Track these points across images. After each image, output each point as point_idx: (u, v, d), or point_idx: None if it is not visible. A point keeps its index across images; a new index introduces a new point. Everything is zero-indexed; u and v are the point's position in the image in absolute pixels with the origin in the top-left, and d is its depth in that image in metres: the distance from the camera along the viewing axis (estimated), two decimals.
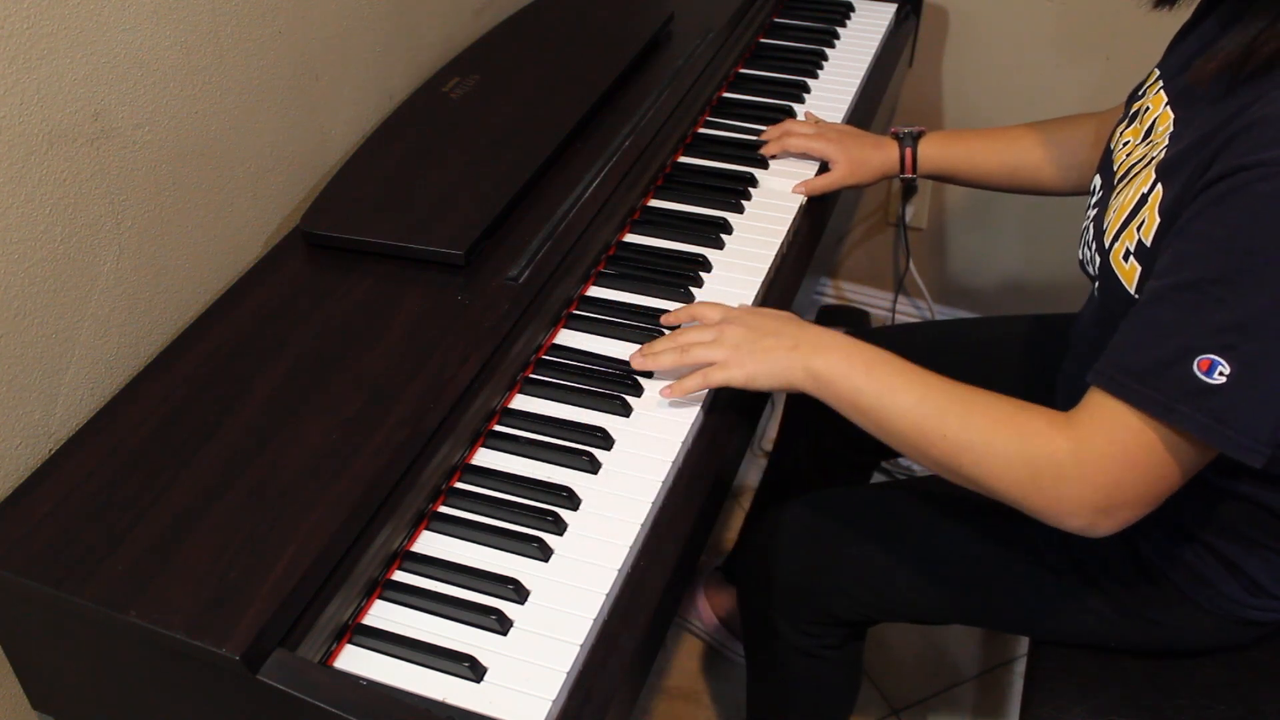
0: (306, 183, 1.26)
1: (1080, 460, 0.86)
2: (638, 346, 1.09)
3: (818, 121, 1.40)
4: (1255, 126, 0.80)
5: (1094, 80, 1.75)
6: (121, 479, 0.92)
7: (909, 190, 1.97)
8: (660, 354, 1.04)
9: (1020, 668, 1.65)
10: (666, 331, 1.10)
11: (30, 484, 0.94)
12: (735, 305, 1.08)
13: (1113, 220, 0.96)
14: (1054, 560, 1.07)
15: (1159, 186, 0.89)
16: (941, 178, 1.37)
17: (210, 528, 0.87)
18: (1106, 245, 0.95)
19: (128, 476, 0.92)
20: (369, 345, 1.03)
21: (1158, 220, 0.88)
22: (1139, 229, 0.90)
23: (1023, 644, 1.69)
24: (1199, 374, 0.80)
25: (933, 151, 1.33)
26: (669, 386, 1.03)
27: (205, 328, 1.07)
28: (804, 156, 1.36)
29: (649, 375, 1.07)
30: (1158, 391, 0.81)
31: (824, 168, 1.35)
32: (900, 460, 1.92)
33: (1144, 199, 0.91)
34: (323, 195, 1.19)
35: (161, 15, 1.01)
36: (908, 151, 1.33)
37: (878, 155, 1.34)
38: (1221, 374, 0.79)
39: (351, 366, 1.01)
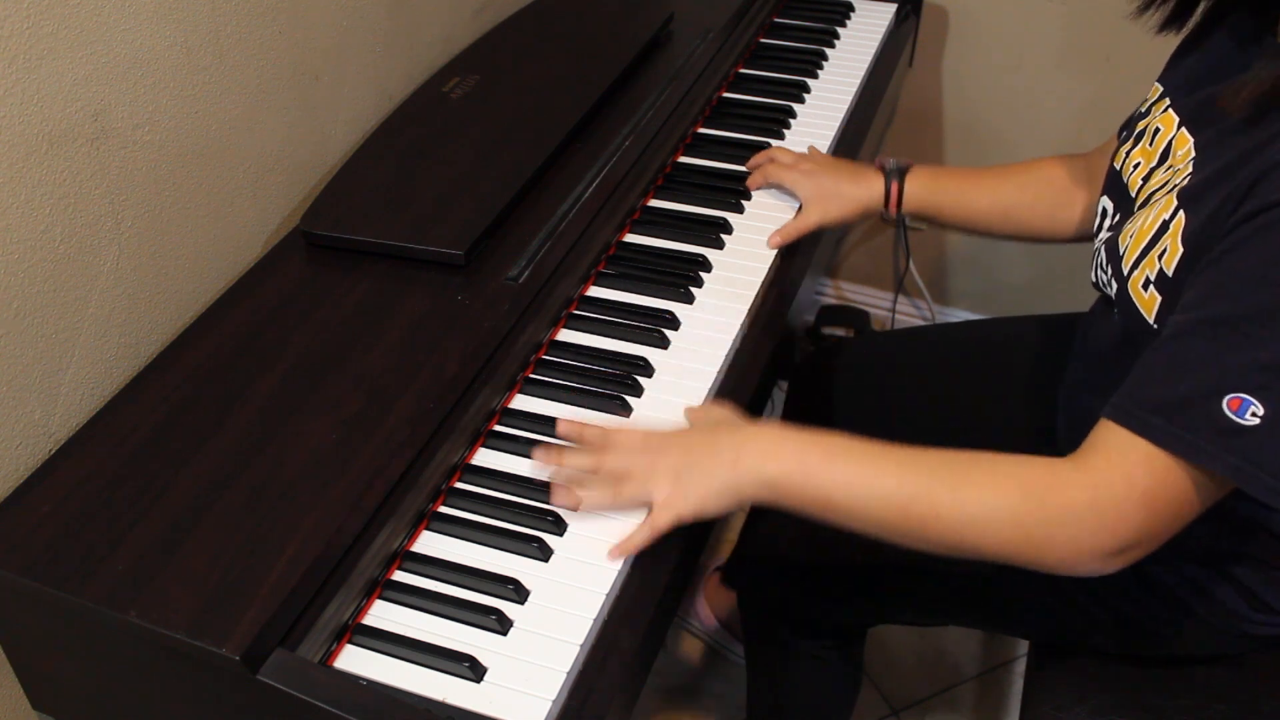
0: (306, 183, 1.26)
1: (1097, 506, 0.80)
2: (638, 347, 1.09)
3: (805, 154, 1.32)
4: None
5: (1094, 81, 1.75)
6: (122, 479, 0.92)
7: None
8: (588, 494, 0.93)
9: (1020, 668, 1.66)
10: (560, 441, 0.99)
11: (30, 484, 0.94)
12: (637, 430, 0.96)
13: (1130, 246, 0.92)
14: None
15: (1181, 214, 0.86)
16: (927, 217, 1.28)
17: (210, 528, 0.87)
18: (1125, 272, 0.92)
19: (128, 476, 0.92)
20: (369, 345, 1.03)
21: (1181, 250, 0.84)
22: (1160, 257, 0.87)
23: (1023, 644, 1.69)
24: (1229, 413, 0.76)
25: (919, 188, 1.25)
26: (615, 548, 0.91)
27: (205, 328, 1.07)
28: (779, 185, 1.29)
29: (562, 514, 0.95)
30: (1185, 430, 0.77)
31: None
32: None
33: (1165, 226, 0.87)
34: (323, 195, 1.19)
35: (161, 15, 1.01)
36: (894, 186, 1.24)
37: (856, 188, 1.25)
38: (1255, 414, 0.75)
39: (351, 366, 1.01)
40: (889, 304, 2.15)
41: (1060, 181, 1.22)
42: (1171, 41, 1.06)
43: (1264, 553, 0.99)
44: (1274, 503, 0.77)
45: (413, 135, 1.27)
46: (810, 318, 2.12)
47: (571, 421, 0.99)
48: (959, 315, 2.12)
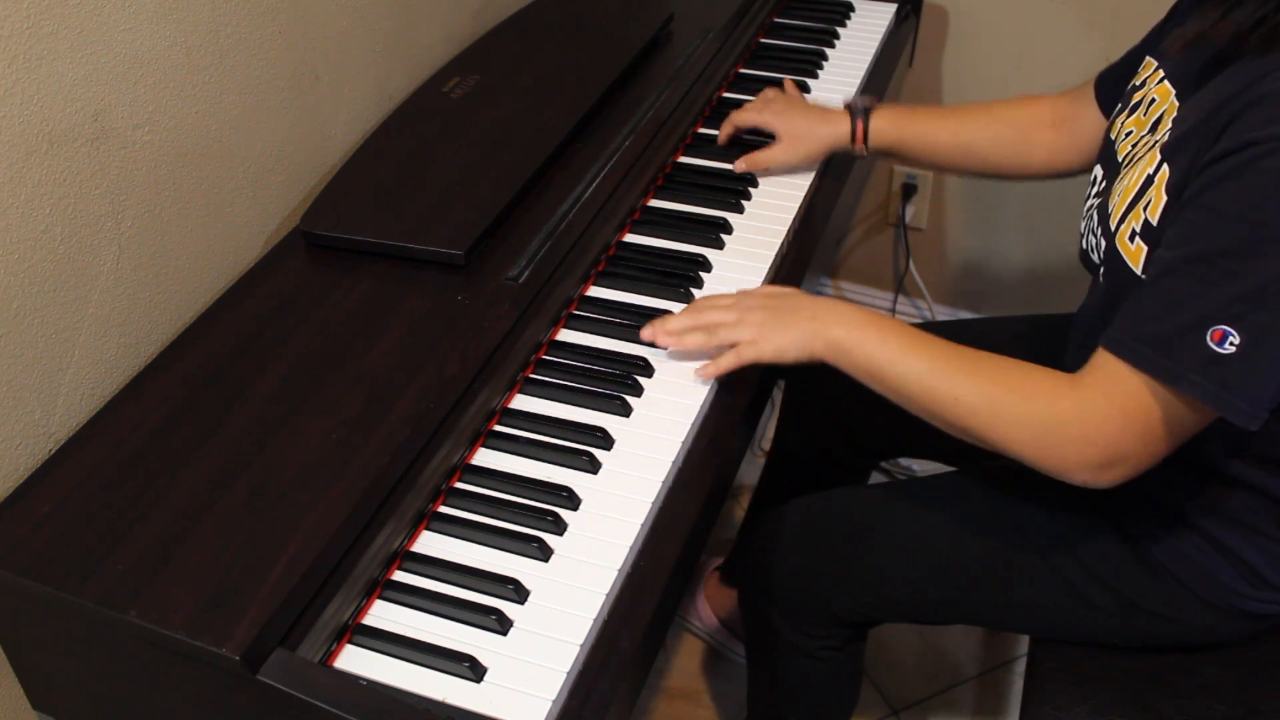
0: (306, 183, 1.26)
1: (1083, 419, 0.89)
2: (638, 347, 1.09)
3: (774, 94, 1.37)
4: (1263, 101, 0.82)
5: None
6: (122, 479, 0.92)
7: (909, 190, 1.97)
8: (685, 334, 1.06)
9: (1020, 668, 1.66)
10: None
11: (30, 484, 0.94)
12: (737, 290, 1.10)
13: (1118, 204, 0.97)
14: (1054, 557, 1.07)
15: (1165, 167, 0.91)
16: (893, 153, 1.33)
17: (210, 528, 0.87)
18: (1112, 228, 0.97)
19: (128, 476, 0.92)
20: (369, 345, 1.03)
21: (1165, 198, 0.90)
22: (1145, 209, 0.92)
23: (1023, 644, 1.69)
24: (1211, 344, 0.83)
25: (885, 125, 1.30)
26: (704, 366, 1.06)
27: (205, 327, 1.07)
28: (753, 131, 1.34)
29: (655, 352, 1.09)
30: (1170, 360, 0.84)
31: None
32: (900, 461, 1.92)
33: (1150, 180, 0.92)
34: (323, 195, 1.19)
35: (161, 15, 1.01)
36: (859, 124, 1.30)
37: (824, 127, 1.31)
38: (1232, 344, 0.82)
39: (351, 366, 1.01)
40: (889, 304, 2.15)
41: (1022, 121, 1.27)
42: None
43: (1259, 520, 1.00)
44: (1244, 424, 0.84)
45: (413, 135, 1.27)
46: None
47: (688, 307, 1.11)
48: (959, 315, 2.12)
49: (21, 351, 0.95)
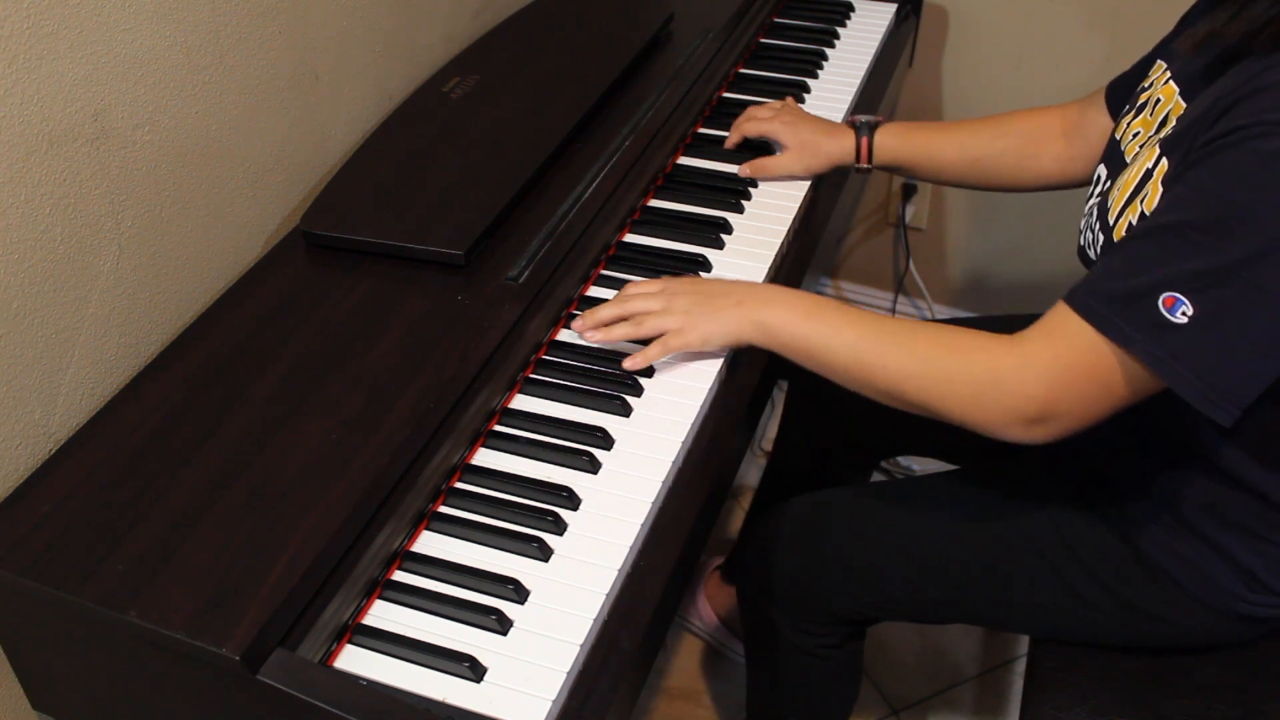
0: (306, 183, 1.26)
1: (1021, 370, 0.90)
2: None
3: (782, 106, 1.38)
4: (1261, 92, 0.82)
5: (1094, 81, 1.74)
6: (122, 479, 0.92)
7: (909, 190, 1.97)
8: (612, 327, 1.07)
9: (1020, 668, 1.66)
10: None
11: (30, 484, 0.94)
12: (655, 280, 1.11)
13: (1117, 198, 0.97)
14: (1053, 557, 1.07)
15: (1163, 160, 0.91)
16: (898, 169, 1.34)
17: (210, 528, 0.87)
18: (1110, 223, 0.97)
19: (128, 476, 0.92)
20: (369, 345, 1.03)
21: (1160, 190, 0.90)
22: (1142, 202, 0.92)
23: (1023, 644, 1.69)
24: (1162, 309, 0.83)
25: (890, 141, 1.30)
26: (630, 359, 1.06)
27: (205, 327, 1.07)
28: (761, 139, 1.35)
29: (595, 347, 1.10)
30: (1123, 320, 0.85)
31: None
32: (900, 460, 1.92)
33: (1149, 174, 0.93)
34: (323, 195, 1.19)
35: (161, 15, 1.01)
36: (864, 141, 1.30)
37: (830, 142, 1.31)
38: (1184, 314, 0.82)
39: (351, 366, 1.01)
40: (889, 304, 2.15)
41: (1029, 134, 1.27)
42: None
43: (1255, 523, 0.99)
44: (1201, 407, 0.84)
45: (413, 135, 1.27)
46: None
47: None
48: (959, 315, 2.12)
49: (21, 351, 0.95)
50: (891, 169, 1.34)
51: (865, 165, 1.32)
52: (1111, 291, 0.86)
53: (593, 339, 1.08)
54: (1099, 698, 1.06)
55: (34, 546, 0.87)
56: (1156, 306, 0.83)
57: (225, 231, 1.15)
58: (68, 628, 0.89)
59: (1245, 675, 1.06)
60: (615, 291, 1.17)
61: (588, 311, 1.09)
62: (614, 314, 1.08)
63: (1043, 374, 0.89)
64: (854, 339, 0.97)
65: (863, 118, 1.32)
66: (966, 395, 0.92)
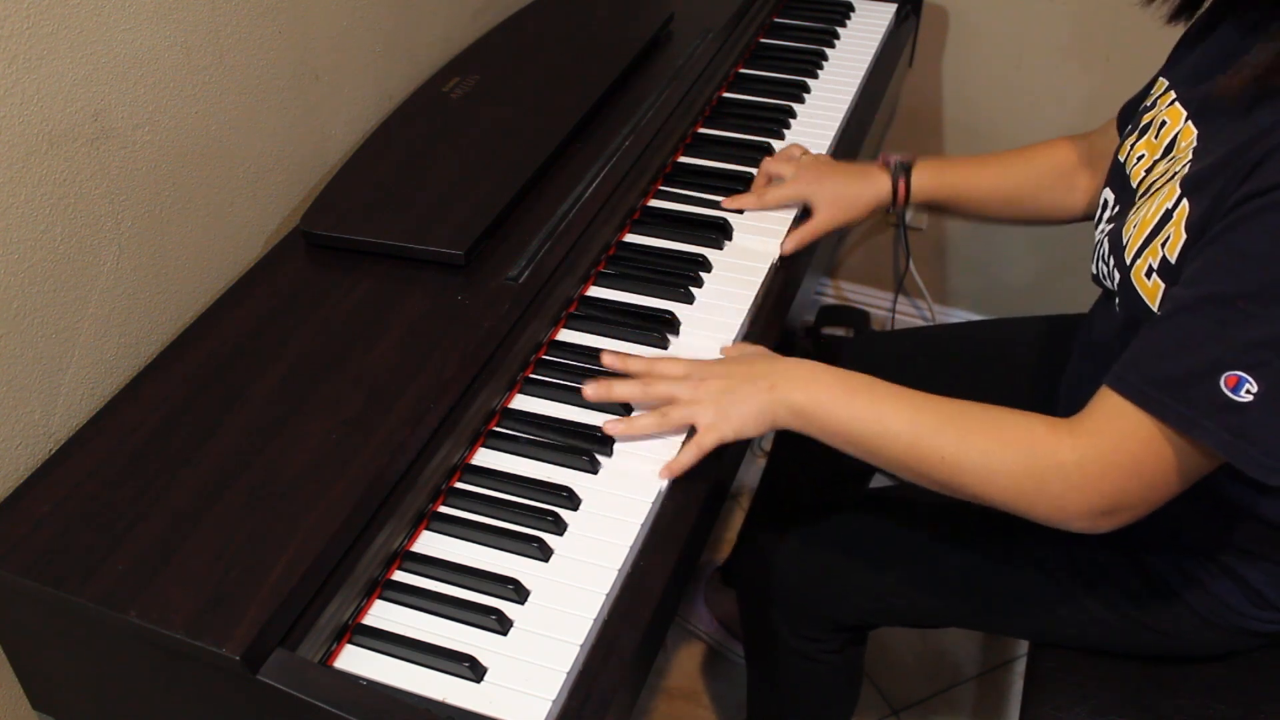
0: (306, 183, 1.26)
1: (1085, 466, 0.85)
2: (638, 347, 1.09)
3: (800, 155, 1.31)
4: None
5: (1094, 81, 1.75)
6: (122, 479, 0.92)
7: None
8: (635, 419, 1.00)
9: (1020, 668, 1.66)
10: (607, 373, 1.05)
11: (30, 484, 0.94)
12: (689, 357, 1.05)
13: (1134, 236, 0.93)
14: (1055, 568, 1.07)
15: (1185, 202, 0.87)
16: (935, 208, 1.29)
17: (210, 528, 0.87)
18: (1127, 262, 0.93)
19: (128, 476, 0.92)
20: (369, 345, 1.03)
21: (1184, 236, 0.86)
22: (1163, 245, 0.88)
23: (1023, 644, 1.69)
24: (1226, 390, 0.79)
25: (926, 181, 1.25)
26: (665, 467, 0.97)
27: (205, 327, 1.07)
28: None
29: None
30: (1184, 405, 0.80)
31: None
32: None
33: (1168, 214, 0.88)
34: (323, 195, 1.19)
35: (161, 15, 1.01)
36: (900, 182, 1.25)
37: (867, 189, 1.25)
38: (1249, 391, 0.78)
39: (351, 366, 1.01)
40: (889, 304, 2.15)
41: (1063, 165, 1.23)
42: (1172, 38, 1.06)
43: (1262, 546, 0.99)
44: (1265, 478, 0.80)
45: (413, 135, 1.27)
46: (810, 318, 2.12)
47: (616, 353, 1.05)
48: (959, 315, 2.12)
49: (21, 351, 0.95)
50: (928, 208, 1.29)
51: (902, 208, 1.27)
52: (1168, 375, 0.81)
53: (615, 433, 1.00)
54: (1099, 698, 1.06)
55: (34, 546, 0.87)
56: (1219, 387, 0.79)
57: (225, 231, 1.15)
58: (68, 628, 0.89)
59: (1245, 675, 1.06)
60: (615, 291, 1.18)
61: (603, 381, 1.02)
62: (636, 393, 1.01)
63: (1108, 469, 0.84)
64: (905, 426, 0.92)
65: (895, 157, 1.26)
66: (1031, 489, 0.87)
